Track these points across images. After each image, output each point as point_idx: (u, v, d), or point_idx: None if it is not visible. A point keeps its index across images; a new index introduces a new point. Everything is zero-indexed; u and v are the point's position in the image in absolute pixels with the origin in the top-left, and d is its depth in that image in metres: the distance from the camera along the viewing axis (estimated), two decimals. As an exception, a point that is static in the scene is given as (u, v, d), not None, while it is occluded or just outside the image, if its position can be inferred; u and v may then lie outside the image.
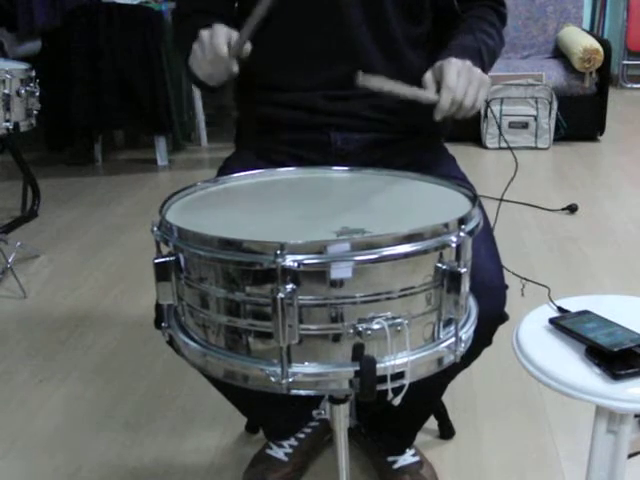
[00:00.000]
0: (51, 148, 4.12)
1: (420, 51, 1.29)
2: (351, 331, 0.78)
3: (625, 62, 6.01)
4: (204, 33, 1.12)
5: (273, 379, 0.79)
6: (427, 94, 1.10)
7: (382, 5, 1.23)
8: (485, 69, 1.16)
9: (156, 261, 0.85)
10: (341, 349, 0.79)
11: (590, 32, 4.71)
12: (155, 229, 0.87)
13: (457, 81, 1.08)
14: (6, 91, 2.31)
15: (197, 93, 4.24)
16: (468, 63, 1.12)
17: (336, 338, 0.79)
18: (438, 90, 1.10)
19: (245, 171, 1.11)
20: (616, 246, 2.72)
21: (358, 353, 0.79)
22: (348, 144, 1.28)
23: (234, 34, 1.12)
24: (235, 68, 1.12)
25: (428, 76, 1.12)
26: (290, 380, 0.79)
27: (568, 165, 3.88)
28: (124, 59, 3.72)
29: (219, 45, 1.09)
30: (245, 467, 1.49)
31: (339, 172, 1.13)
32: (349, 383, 0.80)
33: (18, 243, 2.60)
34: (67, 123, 3.83)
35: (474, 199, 0.92)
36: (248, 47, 1.11)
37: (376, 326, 0.78)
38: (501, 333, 1.16)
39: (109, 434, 1.67)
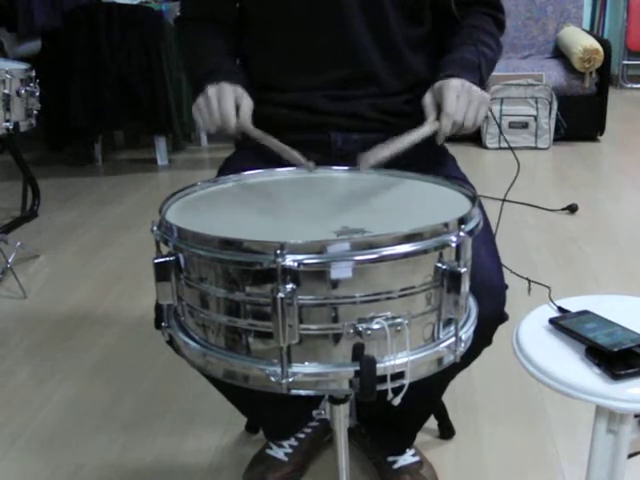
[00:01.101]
0: (51, 148, 4.12)
1: (420, 52, 1.29)
2: (351, 331, 0.78)
3: (625, 62, 6.01)
4: (211, 91, 1.16)
5: (273, 379, 0.79)
6: (428, 129, 1.12)
7: (382, 6, 1.23)
8: (484, 82, 1.17)
9: (156, 261, 0.85)
10: (341, 349, 0.79)
11: (590, 32, 4.71)
12: (155, 229, 0.87)
13: (456, 105, 1.11)
14: (6, 91, 2.31)
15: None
16: (467, 84, 1.13)
17: (336, 338, 0.79)
18: (438, 112, 1.13)
19: (245, 171, 1.11)
20: (616, 246, 2.72)
21: (358, 353, 0.79)
22: (348, 144, 1.28)
23: (240, 92, 1.16)
24: (239, 137, 1.18)
25: (428, 99, 1.16)
26: (290, 380, 0.79)
27: (568, 165, 3.88)
28: (124, 59, 3.72)
29: (227, 113, 1.14)
30: (245, 467, 1.49)
31: (339, 172, 1.13)
32: (349, 383, 0.80)
33: (18, 243, 2.60)
34: (67, 123, 3.83)
35: (474, 199, 0.92)
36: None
37: (376, 326, 0.78)
38: (501, 333, 1.16)
39: (109, 434, 1.67)
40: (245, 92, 1.19)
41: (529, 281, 1.21)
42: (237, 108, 1.16)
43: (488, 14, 1.31)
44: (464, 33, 1.25)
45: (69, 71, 3.73)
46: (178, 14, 1.40)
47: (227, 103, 1.14)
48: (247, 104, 1.17)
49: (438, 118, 1.13)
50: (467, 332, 0.87)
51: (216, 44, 1.30)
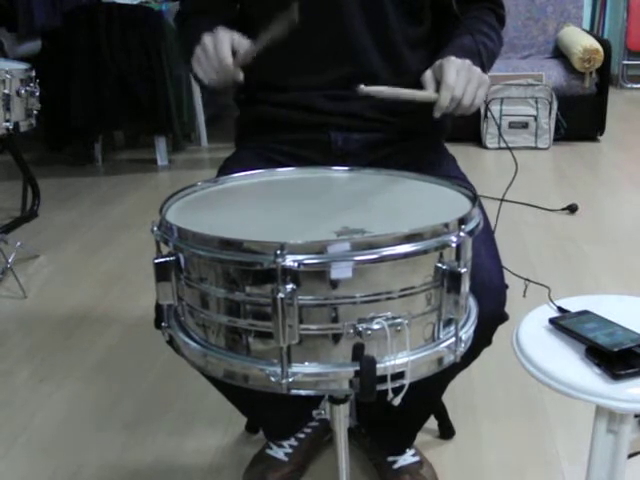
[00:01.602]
0: (51, 148, 4.12)
1: (420, 52, 1.29)
2: (351, 331, 0.78)
3: (625, 62, 6.00)
4: (207, 39, 1.12)
5: (273, 379, 0.79)
6: (426, 93, 1.11)
7: (382, 6, 1.23)
8: (484, 69, 1.16)
9: (156, 261, 0.85)
10: (341, 349, 0.79)
11: (590, 32, 4.70)
12: (155, 229, 0.87)
13: (456, 79, 1.09)
14: (6, 91, 2.31)
15: (197, 93, 4.24)
16: (468, 62, 1.12)
17: (336, 338, 0.79)
18: (437, 89, 1.10)
19: (245, 171, 1.11)
20: (616, 246, 2.72)
21: (358, 353, 0.79)
22: (348, 144, 1.28)
23: (237, 37, 1.12)
24: (241, 77, 1.13)
25: (428, 74, 1.13)
26: (290, 380, 0.79)
27: (568, 165, 3.88)
28: (124, 59, 3.72)
29: (224, 55, 1.10)
30: (245, 467, 1.49)
31: (339, 172, 1.13)
32: (349, 383, 0.80)
33: (18, 243, 2.60)
34: (67, 123, 3.83)
35: (474, 199, 0.92)
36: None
37: (376, 326, 0.78)
38: (501, 333, 1.16)
39: (109, 434, 1.67)
40: (242, 37, 1.14)
41: (527, 281, 1.21)
42: (235, 53, 1.11)
43: (488, 8, 1.31)
44: (463, 25, 1.24)
45: (69, 71, 3.73)
46: (178, 9, 1.39)
47: (223, 44, 1.10)
48: (244, 44, 1.13)
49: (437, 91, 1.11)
50: (467, 332, 0.87)
51: (215, 26, 1.28)
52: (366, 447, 1.51)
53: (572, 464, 1.52)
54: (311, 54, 1.26)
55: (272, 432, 1.50)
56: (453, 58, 1.12)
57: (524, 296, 1.22)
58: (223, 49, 1.10)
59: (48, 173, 3.88)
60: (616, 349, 0.94)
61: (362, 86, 1.06)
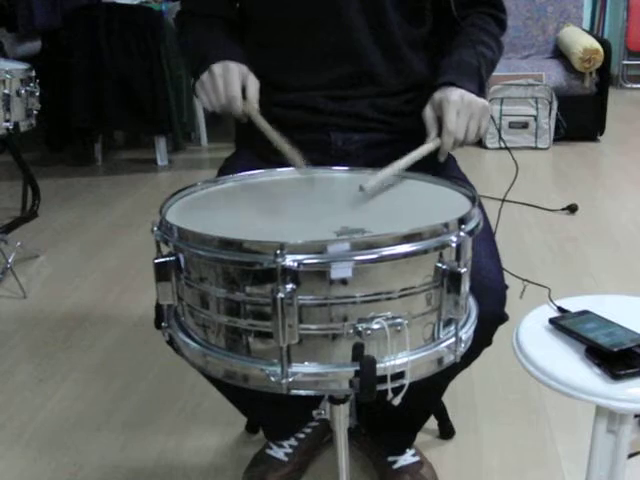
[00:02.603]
0: (51, 148, 4.12)
1: (421, 52, 1.29)
2: (351, 331, 0.78)
3: (625, 62, 6.01)
4: (217, 69, 1.13)
5: (273, 379, 0.79)
6: (428, 147, 1.11)
7: (383, 7, 1.23)
8: (483, 85, 1.17)
9: (156, 261, 0.85)
10: (341, 349, 0.79)
11: (590, 32, 4.71)
12: (155, 229, 0.86)
13: (457, 123, 1.11)
14: (6, 91, 2.31)
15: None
16: (466, 97, 1.12)
17: (336, 338, 0.79)
18: (439, 127, 1.12)
19: (245, 171, 1.11)
20: (616, 246, 2.72)
21: (358, 353, 0.79)
22: (349, 144, 1.28)
23: (245, 71, 1.14)
24: (245, 120, 1.15)
25: (428, 114, 1.15)
26: (290, 380, 0.79)
27: (568, 165, 3.88)
28: (124, 59, 3.72)
29: (234, 94, 1.11)
30: (245, 467, 1.49)
31: (339, 172, 1.13)
32: (349, 383, 0.80)
33: (18, 243, 2.60)
34: (67, 123, 3.83)
35: (474, 199, 0.92)
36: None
37: (376, 326, 0.78)
38: (501, 333, 1.16)
39: (109, 434, 1.67)
40: (251, 72, 1.16)
41: (527, 282, 1.21)
42: (243, 89, 1.13)
43: (489, 14, 1.30)
44: (463, 34, 1.24)
45: (69, 71, 3.73)
46: (179, 9, 1.40)
47: (234, 83, 1.11)
48: (253, 84, 1.14)
49: (439, 134, 1.13)
50: (467, 332, 0.87)
51: (217, 32, 1.28)
52: (366, 447, 1.51)
53: (572, 464, 1.52)
54: (312, 54, 1.25)
55: (272, 432, 1.50)
56: (452, 97, 1.12)
57: (523, 297, 1.22)
58: (234, 87, 1.12)
59: (48, 173, 3.88)
60: (616, 349, 0.94)
61: (365, 186, 1.00)
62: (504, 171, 3.65)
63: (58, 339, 2.12)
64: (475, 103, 1.13)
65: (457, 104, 1.11)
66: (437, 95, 1.15)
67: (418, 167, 1.09)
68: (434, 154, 1.13)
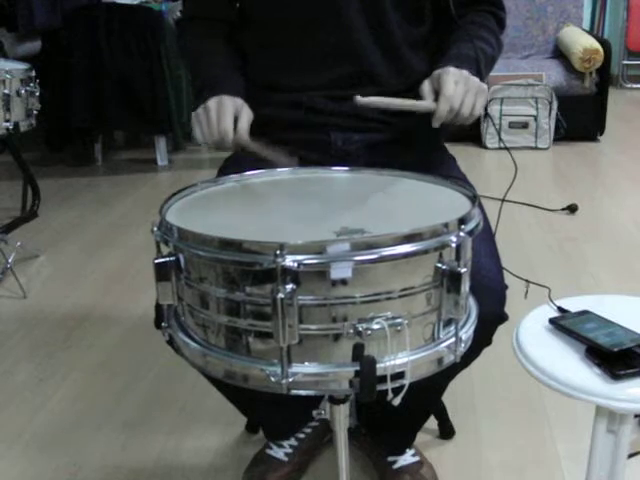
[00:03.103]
0: (51, 148, 4.12)
1: (421, 52, 1.29)
2: (351, 331, 0.78)
3: (625, 62, 6.01)
4: (212, 106, 1.15)
5: (273, 379, 0.79)
6: (424, 103, 1.12)
7: (383, 7, 1.23)
8: (483, 78, 1.17)
9: (156, 261, 0.85)
10: (341, 349, 0.79)
11: (590, 32, 4.71)
12: (155, 229, 0.87)
13: (454, 90, 1.10)
14: (6, 91, 2.31)
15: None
16: (465, 72, 1.13)
17: (336, 338, 0.79)
18: (436, 99, 1.11)
19: (245, 171, 1.11)
20: (616, 246, 2.72)
21: (358, 353, 0.79)
22: (349, 144, 1.28)
23: (239, 105, 1.15)
24: (238, 150, 1.16)
25: (426, 85, 1.14)
26: (290, 380, 0.79)
27: (568, 165, 3.88)
28: (124, 59, 3.72)
29: (226, 130, 1.13)
30: (245, 467, 1.49)
31: (339, 172, 1.13)
32: (349, 383, 0.80)
33: (18, 243, 2.60)
34: (67, 123, 3.83)
35: (474, 199, 0.92)
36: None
37: (376, 326, 0.78)
38: (501, 333, 1.16)
39: (109, 434, 1.67)
40: (245, 104, 1.18)
41: (527, 282, 1.21)
42: (235, 121, 1.15)
43: (488, 11, 1.31)
44: (462, 30, 1.24)
45: (69, 71, 3.73)
46: (179, 14, 1.41)
47: (226, 118, 1.13)
48: (246, 117, 1.16)
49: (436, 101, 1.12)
50: (467, 332, 0.87)
51: (217, 48, 1.30)
52: (366, 447, 1.51)
53: (572, 464, 1.52)
54: (312, 54, 1.26)
55: (272, 432, 1.50)
56: (451, 69, 1.12)
57: (525, 297, 1.22)
58: (226, 121, 1.13)
59: (48, 173, 3.88)
60: (616, 349, 0.94)
61: (359, 97, 1.06)
62: (504, 171, 3.65)
63: (58, 339, 2.12)
64: (473, 79, 1.13)
65: (455, 75, 1.11)
66: (436, 72, 1.14)
67: (418, 167, 1.09)
68: (433, 146, 1.13)
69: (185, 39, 1.37)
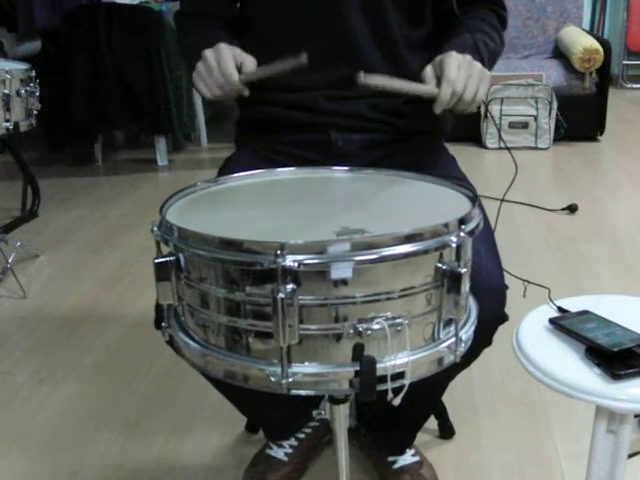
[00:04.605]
0: (51, 148, 4.12)
1: (421, 53, 1.29)
2: (351, 331, 0.78)
3: (625, 62, 6.01)
4: (209, 54, 1.12)
5: (273, 379, 0.79)
6: (427, 87, 1.10)
7: (383, 8, 1.23)
8: (484, 66, 1.15)
9: (156, 261, 0.85)
10: (341, 349, 0.79)
11: (590, 32, 4.71)
12: (155, 229, 0.86)
13: (457, 74, 1.08)
14: (6, 91, 2.31)
15: (197, 93, 4.25)
16: (468, 57, 1.11)
17: (336, 338, 0.79)
18: (438, 84, 1.10)
19: (245, 171, 1.11)
20: (616, 246, 2.72)
21: (358, 353, 0.79)
22: (349, 144, 1.28)
23: (239, 52, 1.13)
24: (246, 92, 1.14)
25: (428, 70, 1.12)
26: (290, 380, 0.79)
27: (568, 165, 3.88)
28: (124, 59, 3.72)
29: (229, 72, 1.11)
30: (245, 467, 1.49)
31: (339, 172, 1.13)
32: (349, 383, 0.80)
33: (18, 243, 2.60)
34: (67, 123, 3.83)
35: (474, 199, 0.92)
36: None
37: (376, 326, 0.78)
38: (501, 333, 1.16)
39: (109, 434, 1.67)
40: (246, 53, 1.15)
41: (527, 282, 1.21)
42: (239, 68, 1.12)
43: (490, 9, 1.31)
44: (463, 26, 1.23)
45: (69, 71, 3.73)
46: (178, 10, 1.40)
47: (227, 60, 1.10)
48: (250, 60, 1.13)
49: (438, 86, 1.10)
50: (467, 332, 0.87)
51: (215, 32, 1.29)
52: (366, 447, 1.51)
53: (572, 464, 1.52)
54: (312, 54, 1.25)
55: (272, 432, 1.50)
56: (454, 53, 1.11)
57: (524, 296, 1.22)
58: (228, 66, 1.11)
59: (48, 173, 3.88)
60: (616, 349, 0.94)
61: (362, 74, 1.05)
62: (504, 171, 3.66)
63: (58, 339, 2.12)
64: (476, 65, 1.11)
65: (458, 59, 1.09)
66: (438, 57, 1.13)
67: (418, 167, 1.09)
68: (433, 146, 1.12)
69: (184, 31, 1.34)
